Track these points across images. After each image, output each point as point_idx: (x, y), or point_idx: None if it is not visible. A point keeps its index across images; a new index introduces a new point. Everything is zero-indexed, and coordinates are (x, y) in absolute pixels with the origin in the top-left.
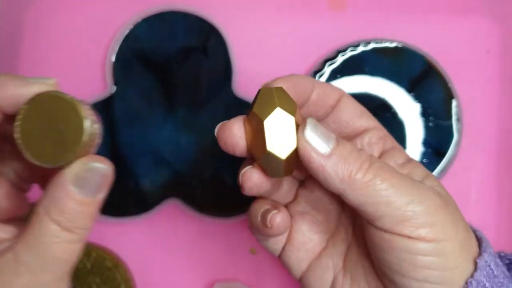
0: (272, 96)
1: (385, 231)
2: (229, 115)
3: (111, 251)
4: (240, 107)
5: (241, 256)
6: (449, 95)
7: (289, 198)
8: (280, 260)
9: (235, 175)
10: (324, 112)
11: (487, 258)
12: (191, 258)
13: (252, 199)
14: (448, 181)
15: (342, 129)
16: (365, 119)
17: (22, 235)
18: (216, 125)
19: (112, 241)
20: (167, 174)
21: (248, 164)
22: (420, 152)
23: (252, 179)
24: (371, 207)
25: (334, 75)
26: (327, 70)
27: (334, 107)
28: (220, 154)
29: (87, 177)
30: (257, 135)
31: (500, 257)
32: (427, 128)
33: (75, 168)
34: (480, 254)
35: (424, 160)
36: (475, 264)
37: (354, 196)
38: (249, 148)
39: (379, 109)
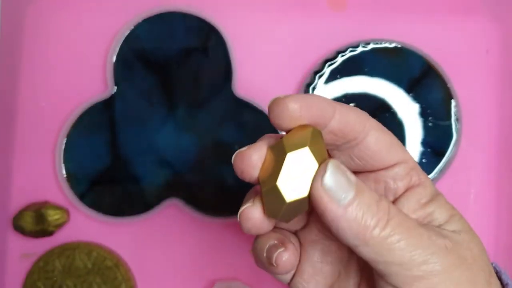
0: (307, 135)
1: (395, 287)
2: (229, 115)
3: (111, 251)
4: (240, 107)
5: (241, 256)
6: (448, 95)
7: (300, 224)
8: None
9: (235, 175)
10: (345, 143)
11: None
12: (191, 258)
13: None
14: (447, 181)
15: (367, 164)
16: (394, 153)
17: None
18: (216, 125)
19: (112, 241)
20: (167, 174)
21: (250, 199)
22: (419, 152)
23: (252, 219)
24: (382, 265)
25: (334, 75)
26: (327, 70)
27: (359, 140)
28: (220, 154)
29: None
30: (274, 164)
31: None
32: (426, 128)
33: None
34: None
35: (423, 160)
36: None
37: (366, 252)
38: (260, 175)
39: (378, 109)
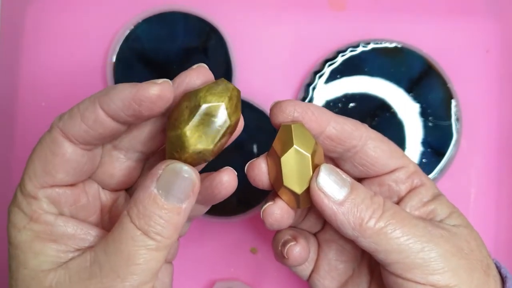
0: (290, 133)
1: (397, 276)
2: None
3: None
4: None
5: (241, 255)
6: (448, 95)
7: (318, 227)
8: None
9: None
10: (345, 149)
11: None
12: (191, 257)
13: (252, 200)
14: (447, 181)
15: (369, 171)
16: (394, 159)
17: (106, 235)
18: None
19: None
20: None
21: (271, 199)
22: (419, 152)
23: (273, 214)
24: (382, 254)
25: (334, 75)
26: (327, 70)
27: (359, 148)
28: (220, 154)
29: (172, 181)
30: (276, 169)
31: None
32: (426, 128)
33: (161, 170)
34: None
35: (424, 160)
36: None
37: (366, 243)
38: (271, 181)
39: (378, 109)
